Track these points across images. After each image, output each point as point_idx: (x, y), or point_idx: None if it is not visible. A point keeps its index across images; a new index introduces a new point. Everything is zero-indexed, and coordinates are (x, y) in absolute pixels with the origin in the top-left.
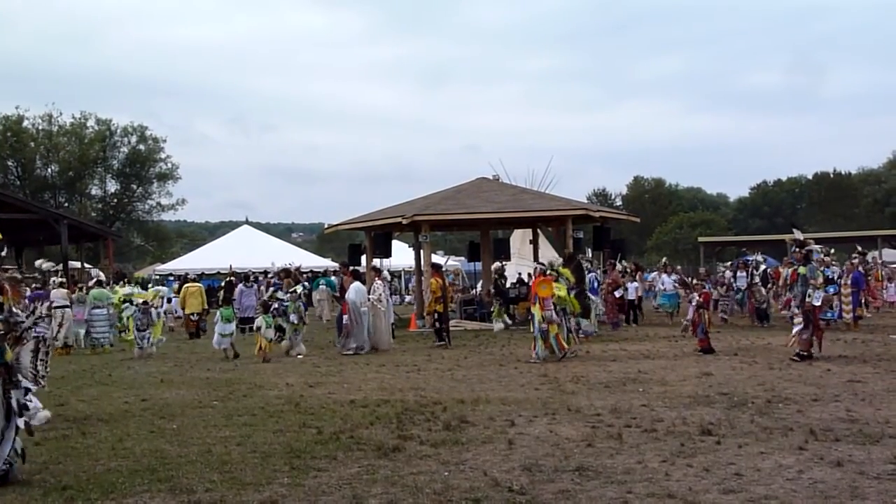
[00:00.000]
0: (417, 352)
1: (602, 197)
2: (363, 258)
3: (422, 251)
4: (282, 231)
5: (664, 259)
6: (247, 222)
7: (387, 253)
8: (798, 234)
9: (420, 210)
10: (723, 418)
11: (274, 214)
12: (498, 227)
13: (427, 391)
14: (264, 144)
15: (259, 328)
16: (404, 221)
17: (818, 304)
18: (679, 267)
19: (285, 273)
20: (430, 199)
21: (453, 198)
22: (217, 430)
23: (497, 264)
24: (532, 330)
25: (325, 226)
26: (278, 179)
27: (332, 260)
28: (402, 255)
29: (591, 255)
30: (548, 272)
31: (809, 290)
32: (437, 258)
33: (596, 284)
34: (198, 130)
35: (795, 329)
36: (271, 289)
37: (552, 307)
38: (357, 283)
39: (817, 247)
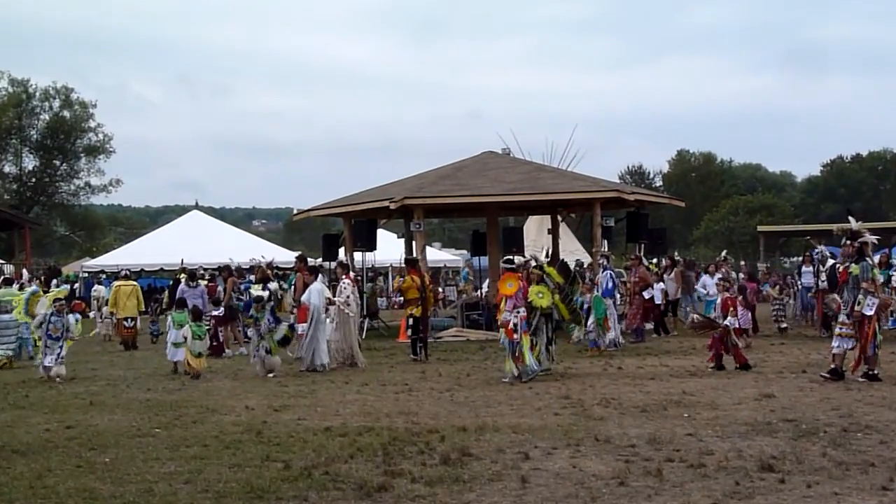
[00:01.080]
0: (408, 367)
1: (638, 176)
2: (341, 251)
3: (414, 243)
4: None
5: (723, 253)
6: (197, 207)
7: (371, 245)
8: (853, 223)
9: (412, 192)
10: (788, 451)
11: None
12: (509, 212)
13: (420, 416)
14: (217, 111)
15: (185, 339)
16: (392, 206)
17: (870, 312)
18: (727, 262)
19: (260, 271)
20: (424, 179)
21: (453, 177)
22: (160, 464)
23: (519, 258)
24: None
25: (294, 212)
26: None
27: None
28: (389, 248)
29: (605, 248)
30: (530, 266)
31: (860, 295)
32: (435, 252)
33: (611, 284)
34: (134, 93)
35: (838, 345)
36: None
37: (514, 309)
38: (317, 283)
39: (873, 238)
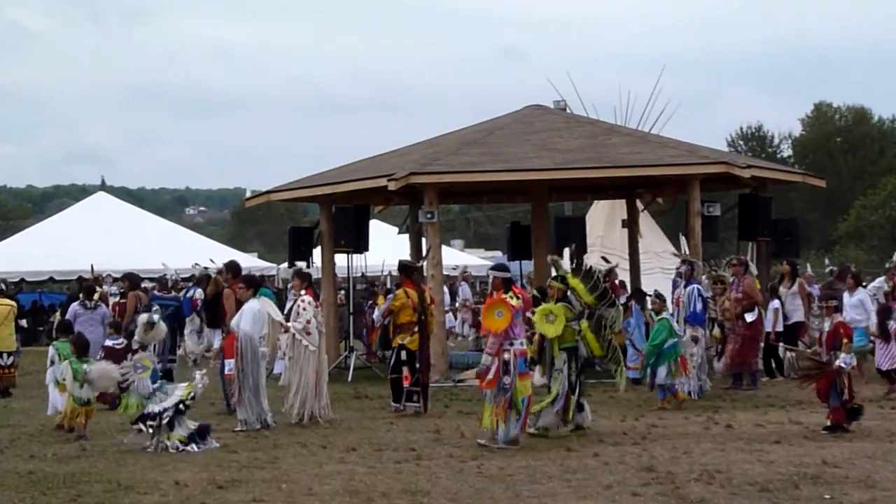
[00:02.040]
0: (415, 424)
1: (756, 142)
2: (317, 253)
3: (424, 240)
4: (167, 204)
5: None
6: (103, 188)
7: (360, 244)
8: (684, 250)
9: (421, 165)
10: None
11: (152, 175)
12: (564, 195)
13: (434, 498)
14: (130, 47)
15: (65, 379)
16: (393, 186)
17: None
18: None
19: (213, 283)
20: (440, 146)
21: (481, 143)
22: None
23: (602, 263)
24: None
25: (246, 195)
26: (157, 112)
27: (259, 256)
28: (387, 248)
29: (685, 247)
30: (547, 281)
31: None
32: (455, 254)
33: (700, 306)
34: (8, 20)
35: None
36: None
37: (501, 345)
38: (254, 303)
39: None
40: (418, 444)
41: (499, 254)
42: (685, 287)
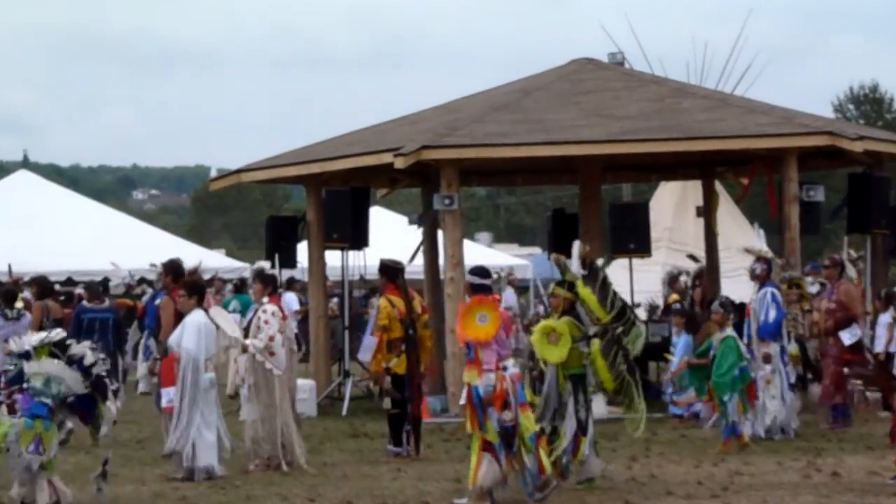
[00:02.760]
0: (428, 469)
1: (871, 105)
2: (302, 249)
3: (441, 233)
4: (109, 186)
5: None
6: (25, 165)
7: (357, 237)
8: (759, 243)
9: (437, 136)
10: None
11: (89, 149)
12: (621, 175)
13: None
14: None
15: None
16: (400, 163)
17: None
18: None
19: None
20: (462, 112)
21: (514, 107)
22: None
23: (689, 264)
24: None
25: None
26: (95, 66)
27: (228, 253)
28: (393, 243)
29: (763, 242)
30: (549, 288)
31: None
32: (480, 250)
33: (775, 314)
34: None
35: None
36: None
37: (494, 365)
38: (199, 315)
39: None
40: (433, 497)
41: (537, 250)
42: (758, 291)
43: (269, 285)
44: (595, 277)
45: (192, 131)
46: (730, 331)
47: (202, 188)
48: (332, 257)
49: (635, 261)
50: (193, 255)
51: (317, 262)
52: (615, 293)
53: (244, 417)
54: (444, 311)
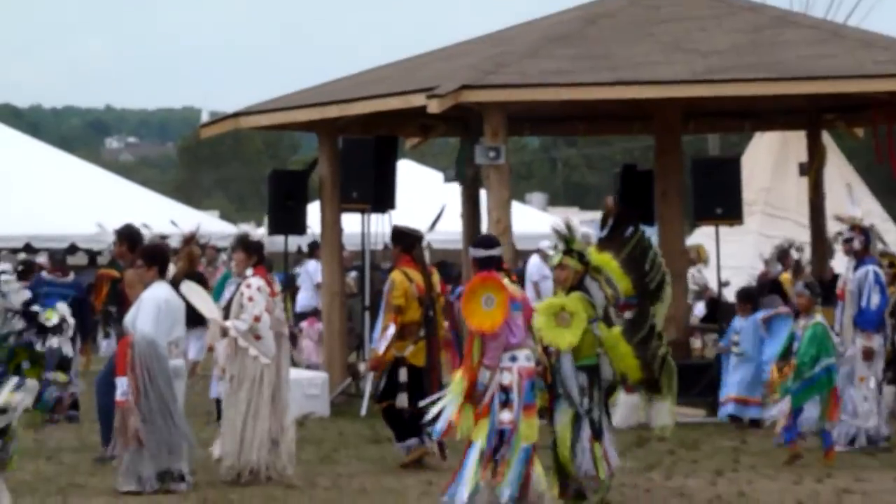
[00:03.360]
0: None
1: None
2: (313, 211)
3: (485, 193)
4: (78, 131)
5: None
6: None
7: (382, 196)
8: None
9: (480, 74)
10: None
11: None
12: (706, 124)
13: None
14: None
15: None
16: (434, 107)
17: None
18: None
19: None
20: (510, 45)
21: (576, 39)
22: None
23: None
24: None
25: (202, 120)
26: None
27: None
28: (424, 204)
29: (856, 207)
30: (553, 258)
31: None
32: (532, 214)
33: (879, 299)
34: None
35: None
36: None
37: (495, 362)
38: (160, 290)
39: None
40: None
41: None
42: (854, 270)
43: (253, 254)
44: (619, 242)
45: (177, 66)
46: (819, 317)
47: (191, 136)
48: (351, 222)
49: (723, 229)
50: (181, 218)
51: (331, 227)
52: (656, 254)
53: (223, 414)
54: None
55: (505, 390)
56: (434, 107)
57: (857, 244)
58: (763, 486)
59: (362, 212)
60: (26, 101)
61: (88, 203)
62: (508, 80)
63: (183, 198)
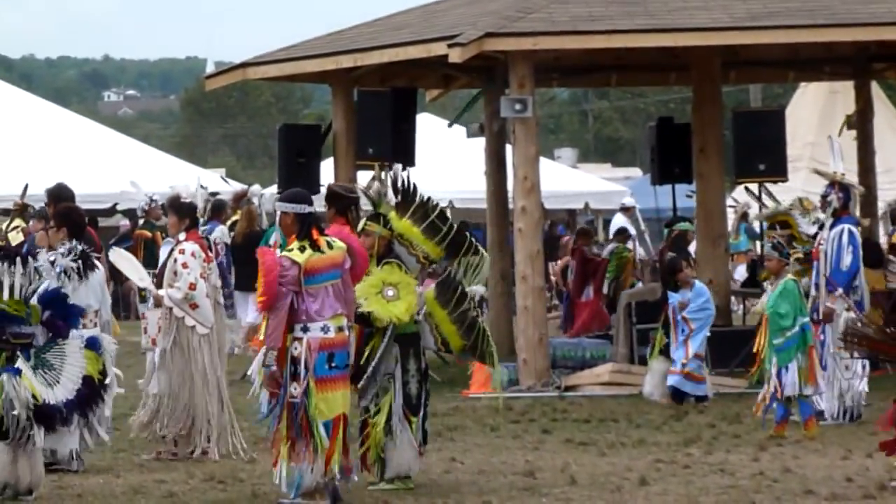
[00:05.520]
0: (493, 454)
1: None
2: (327, 168)
3: (511, 146)
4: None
5: None
6: None
7: (401, 153)
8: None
9: (505, 21)
10: None
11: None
12: (748, 72)
13: None
14: None
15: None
16: (456, 56)
17: None
18: None
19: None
20: None
21: None
22: None
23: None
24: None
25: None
26: None
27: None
28: (446, 161)
29: (839, 161)
30: (361, 224)
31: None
32: (562, 170)
33: (848, 260)
34: None
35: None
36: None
37: (276, 336)
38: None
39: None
40: (498, 497)
41: (636, 172)
42: (830, 228)
43: (186, 217)
44: (411, 204)
45: (181, 12)
46: (790, 276)
47: (195, 88)
48: (367, 180)
49: (767, 187)
50: (183, 175)
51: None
52: (442, 215)
53: (155, 390)
54: (512, 253)
55: (294, 362)
56: (456, 56)
57: (834, 201)
58: (809, 462)
59: (381, 169)
60: (18, 51)
61: (85, 160)
62: (535, 28)
63: (186, 155)
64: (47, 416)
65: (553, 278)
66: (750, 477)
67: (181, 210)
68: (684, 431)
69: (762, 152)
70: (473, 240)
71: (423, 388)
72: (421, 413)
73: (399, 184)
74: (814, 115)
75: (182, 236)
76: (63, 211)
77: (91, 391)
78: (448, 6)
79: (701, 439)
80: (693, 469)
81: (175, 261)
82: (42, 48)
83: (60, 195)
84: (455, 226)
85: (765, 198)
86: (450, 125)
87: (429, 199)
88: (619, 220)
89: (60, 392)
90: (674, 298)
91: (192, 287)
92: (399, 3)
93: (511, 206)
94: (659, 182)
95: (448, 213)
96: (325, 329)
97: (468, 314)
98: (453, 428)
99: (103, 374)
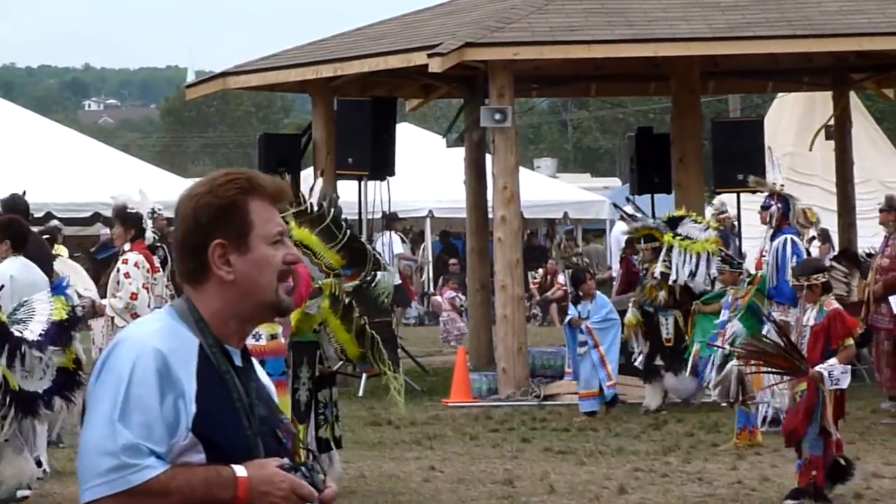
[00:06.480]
0: (469, 462)
1: None
2: (307, 177)
3: (491, 156)
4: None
5: None
6: None
7: (380, 162)
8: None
9: (485, 31)
10: None
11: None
12: (727, 82)
13: None
14: None
15: None
16: (436, 66)
17: None
18: None
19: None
20: None
21: None
22: None
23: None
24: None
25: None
26: None
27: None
28: (426, 171)
29: (777, 172)
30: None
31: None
32: (541, 181)
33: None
34: None
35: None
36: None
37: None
38: (13, 264)
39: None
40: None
41: (615, 181)
42: (772, 240)
43: (131, 227)
44: (306, 212)
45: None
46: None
47: (176, 97)
48: (347, 189)
49: (745, 197)
50: (164, 185)
51: (320, 191)
52: (341, 222)
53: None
54: (492, 262)
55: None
56: (436, 66)
57: (774, 212)
58: (788, 471)
59: (359, 179)
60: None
61: (65, 170)
62: (515, 38)
63: (166, 163)
64: (28, 401)
65: (532, 287)
66: (728, 486)
67: (126, 220)
68: (663, 440)
69: (741, 162)
70: (371, 249)
71: (315, 396)
72: (311, 421)
73: (305, 196)
74: (791, 126)
75: (127, 247)
76: (4, 222)
77: (67, 378)
78: (428, 16)
79: (679, 448)
80: (671, 478)
81: (118, 271)
82: (22, 57)
83: (15, 207)
84: (350, 233)
85: (631, 211)
86: (444, 137)
87: (326, 208)
88: (621, 227)
89: (32, 334)
90: (572, 311)
91: (134, 297)
92: (379, 13)
93: (490, 215)
94: (638, 192)
95: (343, 223)
96: (256, 337)
97: (356, 322)
98: (433, 437)
99: (77, 363)
